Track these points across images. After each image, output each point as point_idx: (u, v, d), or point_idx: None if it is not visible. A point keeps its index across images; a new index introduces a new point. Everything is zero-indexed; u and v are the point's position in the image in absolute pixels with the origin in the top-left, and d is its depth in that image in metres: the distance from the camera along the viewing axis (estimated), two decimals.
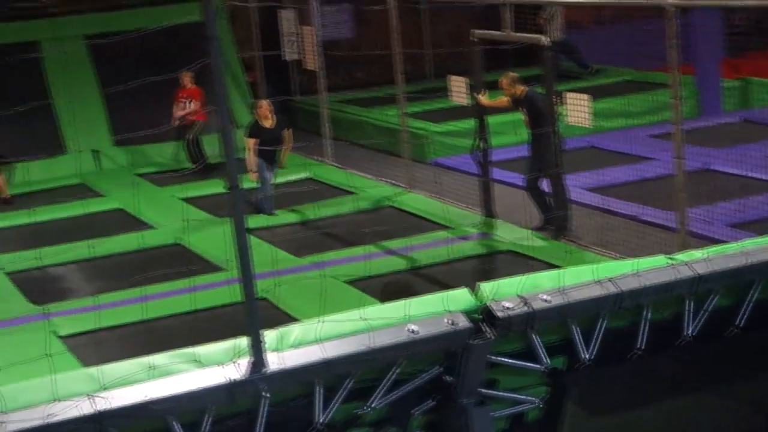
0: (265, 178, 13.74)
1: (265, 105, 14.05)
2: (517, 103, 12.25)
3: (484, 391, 6.48)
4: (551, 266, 10.65)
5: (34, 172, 15.95)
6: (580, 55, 19.77)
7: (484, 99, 12.66)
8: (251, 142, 13.66)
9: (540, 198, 12.26)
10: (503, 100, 12.46)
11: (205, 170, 14.86)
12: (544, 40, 11.99)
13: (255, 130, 13.84)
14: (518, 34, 12.82)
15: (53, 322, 10.21)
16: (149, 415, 5.70)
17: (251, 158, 13.62)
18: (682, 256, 6.84)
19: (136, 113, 16.41)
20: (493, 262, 11.76)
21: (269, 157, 13.72)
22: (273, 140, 13.75)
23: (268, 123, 13.88)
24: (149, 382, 5.72)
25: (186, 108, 16.08)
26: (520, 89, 12.12)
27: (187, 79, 16.04)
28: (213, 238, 12.27)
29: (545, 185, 12.12)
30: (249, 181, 13.24)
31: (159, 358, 5.90)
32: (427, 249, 11.90)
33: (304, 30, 16.68)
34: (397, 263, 11.55)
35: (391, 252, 11.89)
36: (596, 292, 6.42)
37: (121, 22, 16.50)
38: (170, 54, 16.83)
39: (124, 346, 9.52)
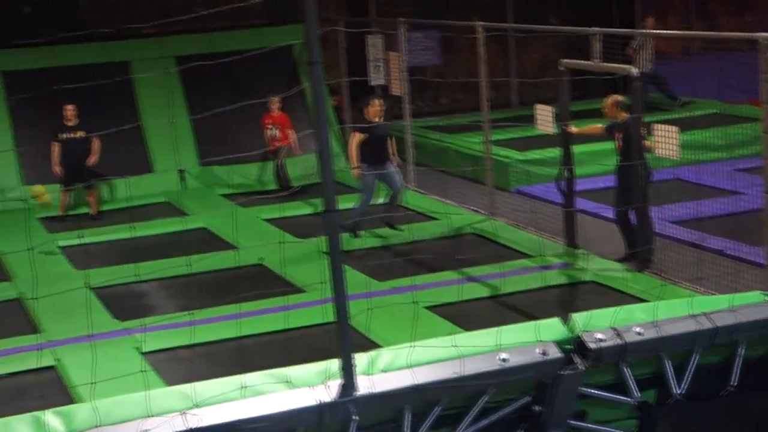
0: (368, 190, 13.53)
1: (377, 103, 13.72)
2: (612, 129, 12.16)
3: (573, 422, 6.43)
4: (634, 298, 10.53)
5: (121, 190, 16.16)
6: (668, 86, 19.62)
7: (575, 129, 12.61)
8: (358, 136, 13.41)
9: (628, 229, 12.15)
10: (597, 127, 12.41)
11: (291, 194, 14.94)
12: (633, 70, 11.90)
13: (362, 125, 13.56)
14: (607, 64, 12.75)
15: (136, 338, 10.30)
16: None
17: (353, 151, 13.40)
18: None
19: (223, 134, 16.60)
20: (575, 293, 11.65)
21: (376, 159, 13.42)
22: (380, 138, 13.53)
23: (377, 120, 13.60)
24: (241, 401, 5.76)
25: (272, 134, 16.22)
26: (622, 115, 12.03)
27: (275, 105, 16.16)
28: (295, 260, 12.33)
29: (632, 217, 12.01)
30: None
31: (251, 378, 5.95)
32: (509, 277, 11.82)
33: (391, 56, 16.74)
34: (479, 290, 11.50)
35: (472, 279, 11.84)
36: (691, 326, 6.36)
37: (213, 44, 16.71)
38: (260, 77, 17.03)
39: (207, 365, 9.57)
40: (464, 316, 10.57)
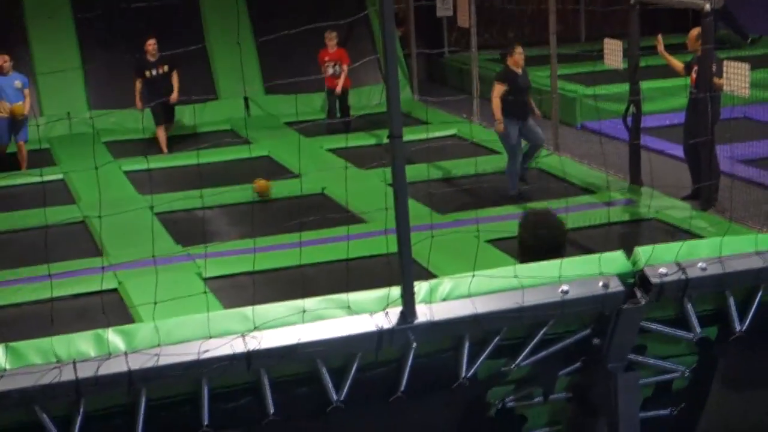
0: (514, 147, 12.69)
1: (520, 51, 12.82)
2: (691, 64, 11.95)
3: (632, 356, 6.40)
4: (697, 236, 10.41)
5: (186, 116, 16.20)
6: (738, 23, 19.21)
7: (661, 46, 12.25)
8: (500, 88, 12.58)
9: (695, 166, 12.00)
10: (678, 65, 12.17)
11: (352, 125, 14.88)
12: (706, 5, 11.67)
13: (505, 75, 12.74)
14: None
15: (198, 264, 10.38)
16: (298, 357, 5.78)
17: (497, 104, 12.54)
18: None
19: (288, 63, 16.56)
20: (638, 230, 11.55)
21: (519, 112, 12.62)
22: (523, 90, 12.75)
23: (520, 71, 12.81)
24: (300, 325, 5.79)
25: (333, 71, 15.81)
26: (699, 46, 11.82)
27: (332, 41, 15.73)
28: (357, 190, 12.31)
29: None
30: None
31: (311, 303, 5.97)
32: (572, 213, 11.71)
33: None
34: None
35: None
36: (755, 263, 6.28)
37: None
38: (324, 8, 16.92)
39: (267, 292, 9.61)
40: (524, 251, 10.51)
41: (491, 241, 10.79)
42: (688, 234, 10.71)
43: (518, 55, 12.73)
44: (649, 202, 12.09)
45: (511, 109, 12.54)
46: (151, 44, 15.08)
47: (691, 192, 12.10)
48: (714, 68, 11.62)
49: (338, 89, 15.78)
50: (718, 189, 11.95)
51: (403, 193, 5.83)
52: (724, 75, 11.69)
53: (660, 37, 12.21)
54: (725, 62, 11.89)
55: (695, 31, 11.91)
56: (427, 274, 9.45)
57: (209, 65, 17.18)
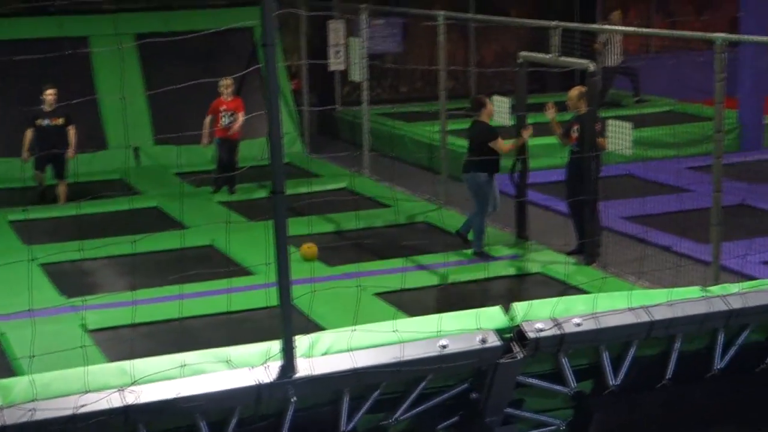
0: (486, 202, 12.47)
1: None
2: (571, 123, 12.21)
3: (509, 410, 6.50)
4: (581, 291, 10.66)
5: (74, 165, 16.06)
6: (638, 80, 19.73)
7: (551, 114, 12.47)
8: (501, 140, 12.37)
9: (579, 221, 12.26)
10: (557, 130, 12.38)
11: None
12: (591, 65, 11.98)
13: (493, 128, 12.53)
14: (565, 58, 12.83)
15: (82, 316, 10.28)
16: (177, 411, 5.76)
17: (510, 146, 12.43)
18: (717, 289, 6.83)
19: (179, 113, 16.53)
20: (523, 284, 11.76)
21: (491, 166, 12.41)
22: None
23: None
24: (180, 379, 5.77)
25: (229, 120, 15.06)
26: (584, 107, 12.08)
27: (228, 89, 15.14)
28: (246, 242, 12.33)
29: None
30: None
31: (191, 356, 5.96)
32: (459, 267, 11.92)
33: (351, 41, 16.76)
34: (428, 279, 11.57)
35: (422, 267, 11.91)
36: (629, 319, 6.43)
37: (173, 22, 16.66)
38: (219, 58, 16.97)
39: (150, 344, 9.57)
40: (411, 303, 10.64)
41: (379, 294, 10.90)
42: (571, 288, 10.95)
43: (490, 105, 12.62)
44: (534, 256, 12.33)
45: (488, 163, 12.36)
46: (51, 94, 14.60)
47: (576, 247, 12.34)
48: (597, 127, 11.92)
49: (237, 136, 15.20)
50: (600, 244, 12.23)
51: (284, 247, 5.87)
52: (607, 133, 12.00)
53: (551, 103, 12.46)
54: (608, 120, 12.21)
55: (575, 91, 12.21)
56: (315, 328, 9.52)
57: (99, 115, 17.06)
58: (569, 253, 12.29)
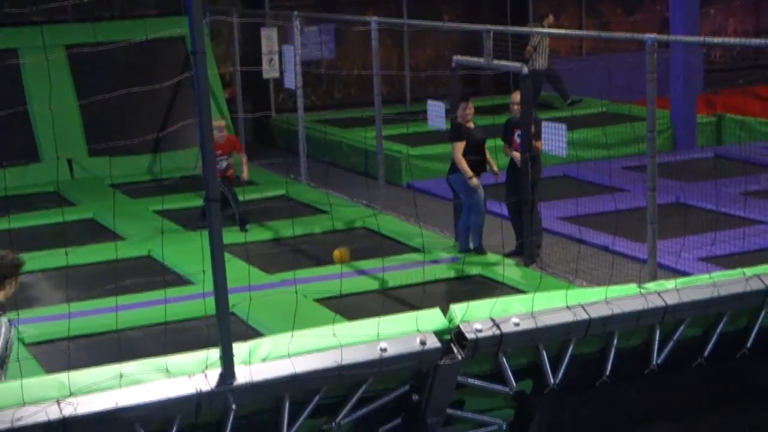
0: (480, 199, 12.39)
1: (471, 106, 12.47)
2: (511, 127, 12.27)
3: (451, 411, 6.51)
4: (520, 292, 10.72)
5: (7, 179, 15.84)
6: (563, 84, 19.90)
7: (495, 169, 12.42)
8: (460, 145, 12.22)
9: (519, 223, 12.34)
10: (506, 150, 12.41)
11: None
12: (524, 68, 12.06)
13: (460, 131, 12.35)
14: (498, 62, 12.90)
15: (19, 329, 10.14)
16: (116, 422, 5.70)
17: (463, 162, 12.19)
18: (652, 286, 6.90)
19: (112, 124, 16.39)
20: (463, 286, 11.79)
21: (477, 168, 12.28)
22: (478, 145, 12.35)
23: (472, 126, 12.46)
24: (118, 389, 5.72)
25: (226, 164, 13.77)
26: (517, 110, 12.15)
27: (222, 132, 13.71)
28: (184, 252, 12.26)
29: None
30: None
31: (128, 367, 5.91)
32: (398, 271, 11.93)
33: (284, 49, 16.72)
34: (368, 284, 11.58)
35: (362, 272, 11.91)
36: (566, 317, 6.47)
37: (103, 33, 16.50)
38: (151, 68, 16.86)
39: (90, 356, 9.47)
40: (352, 308, 10.63)
41: (319, 300, 10.88)
42: (510, 289, 11.00)
43: (468, 108, 12.41)
44: (473, 259, 12.36)
45: (472, 165, 12.26)
46: None
47: (515, 248, 12.41)
48: (534, 129, 12.00)
49: (245, 175, 13.93)
50: (540, 245, 12.31)
51: (220, 256, 5.84)
52: (543, 135, 12.08)
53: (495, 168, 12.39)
54: (543, 123, 12.29)
55: (517, 95, 12.26)
56: (255, 335, 9.48)
57: (31, 127, 16.86)
58: (508, 255, 12.35)
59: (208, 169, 5.85)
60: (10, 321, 6.92)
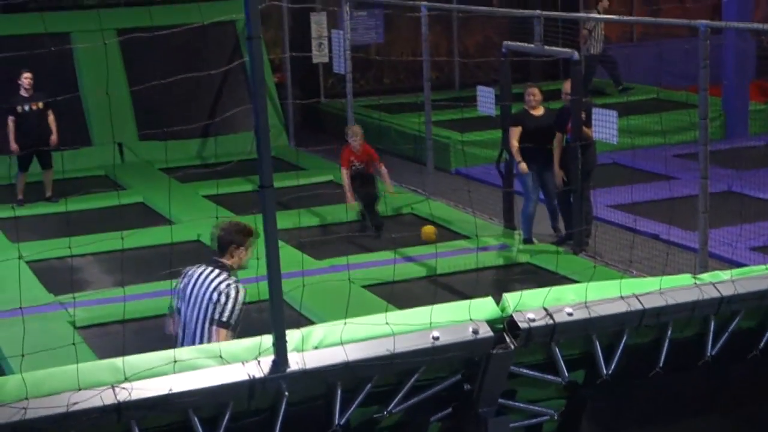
0: (529, 187, 12.38)
1: (536, 92, 12.42)
2: (564, 114, 12.18)
3: (502, 401, 6.48)
4: (569, 280, 10.67)
5: (58, 162, 15.98)
6: (617, 70, 19.74)
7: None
8: (513, 130, 12.32)
9: (568, 211, 12.27)
10: (558, 140, 12.25)
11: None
12: (574, 54, 11.98)
13: (516, 117, 12.50)
14: (548, 47, 12.82)
15: (70, 313, 10.25)
16: (170, 408, 5.72)
17: (515, 146, 12.30)
18: (707, 276, 6.83)
19: (163, 108, 16.49)
20: (511, 274, 11.78)
21: (535, 156, 12.24)
22: (540, 132, 12.22)
23: (537, 112, 12.45)
24: (171, 375, 5.74)
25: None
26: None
27: (357, 139, 13.11)
28: None
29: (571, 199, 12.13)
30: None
31: (183, 352, 5.92)
32: (446, 258, 11.92)
33: (334, 33, 16.72)
34: (416, 270, 11.58)
35: (409, 259, 11.91)
36: (620, 308, 6.41)
37: (155, 17, 16.56)
38: (202, 52, 16.93)
39: (140, 340, 9.54)
40: (400, 295, 10.65)
41: (367, 287, 10.89)
42: (560, 278, 10.96)
43: (529, 96, 12.43)
44: (522, 246, 12.33)
45: (526, 153, 12.27)
46: (27, 77, 14.35)
47: (565, 236, 12.36)
48: (585, 116, 11.92)
49: (389, 188, 13.20)
50: (590, 234, 12.25)
51: (273, 242, 5.83)
52: (593, 122, 11.99)
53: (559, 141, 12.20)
54: (594, 109, 12.21)
55: (568, 85, 12.18)
56: (304, 321, 9.51)
57: (83, 111, 16.99)
58: (557, 243, 12.31)
59: (263, 156, 5.84)
60: (238, 283, 7.20)
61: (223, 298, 7.05)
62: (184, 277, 7.29)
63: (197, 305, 7.12)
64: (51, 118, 14.60)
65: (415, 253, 12.03)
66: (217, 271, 7.18)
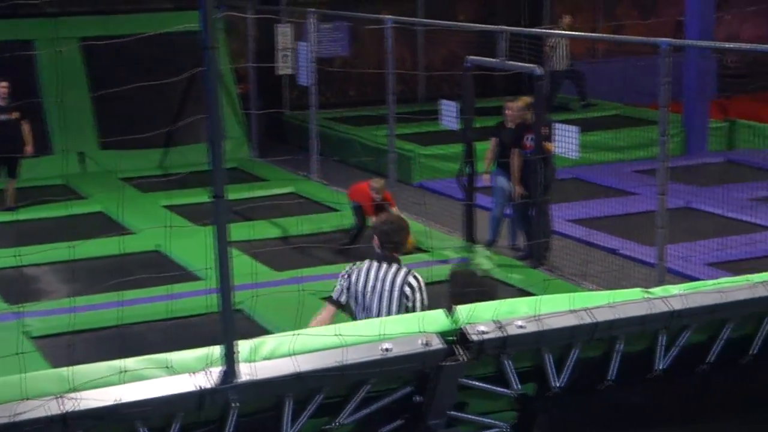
0: (498, 196, 12.74)
1: (510, 105, 12.72)
2: (520, 130, 12.24)
3: (453, 413, 6.48)
4: (528, 294, 10.68)
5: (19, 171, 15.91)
6: (584, 84, 19.86)
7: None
8: (492, 141, 12.87)
9: (527, 226, 12.32)
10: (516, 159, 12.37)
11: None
12: (536, 69, 12.03)
13: (496, 129, 12.96)
14: (512, 63, 12.88)
15: (26, 322, 10.17)
16: (117, 418, 5.68)
17: (488, 156, 12.89)
18: (658, 291, 6.86)
19: (125, 118, 16.40)
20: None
21: (508, 167, 12.44)
22: (505, 146, 12.61)
23: (511, 125, 12.71)
24: (120, 385, 5.70)
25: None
26: (529, 114, 12.14)
27: (380, 184, 12.88)
28: (193, 247, 12.23)
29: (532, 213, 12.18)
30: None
31: (131, 362, 5.89)
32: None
33: (299, 45, 16.72)
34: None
35: None
36: (571, 321, 6.43)
37: (118, 26, 16.54)
38: (164, 61, 16.86)
39: (96, 350, 9.48)
40: None
41: (327, 299, 10.84)
42: (519, 291, 10.98)
43: (508, 109, 12.74)
44: (482, 260, 12.35)
45: (502, 163, 12.62)
46: (4, 86, 14.34)
47: (525, 250, 12.40)
48: (545, 131, 11.97)
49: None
50: (548, 248, 12.28)
51: (225, 253, 5.82)
52: (554, 137, 12.05)
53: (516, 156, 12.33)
54: (556, 125, 12.27)
55: (520, 103, 12.30)
56: (263, 332, 9.48)
57: (43, 119, 16.89)
58: (517, 257, 12.35)
59: (217, 166, 5.82)
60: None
61: (417, 291, 7.51)
62: (350, 276, 7.73)
63: (385, 301, 7.56)
64: (27, 128, 14.58)
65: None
66: (395, 266, 7.58)
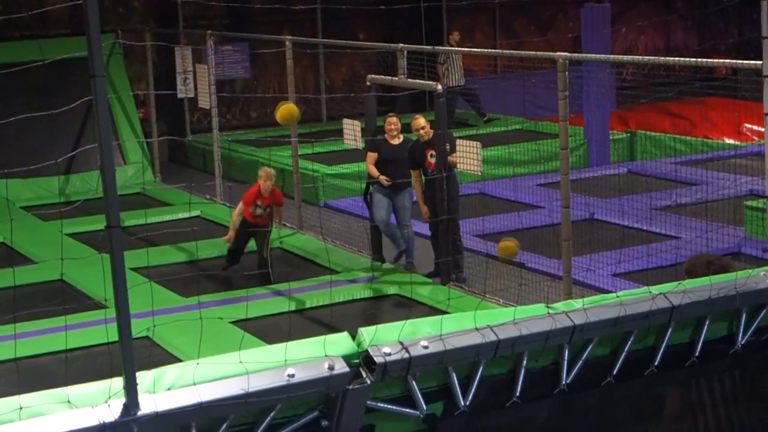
0: (379, 217, 12.56)
1: (394, 121, 12.56)
2: (422, 148, 12.25)
3: None
4: (437, 311, 10.72)
5: None
6: (479, 102, 20.00)
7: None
8: (368, 155, 12.58)
9: (437, 243, 12.35)
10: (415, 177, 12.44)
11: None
12: (438, 86, 12.08)
13: (377, 143, 12.58)
14: (411, 80, 12.92)
15: None
16: None
17: (372, 170, 12.52)
18: (560, 305, 6.91)
19: (22, 146, 16.10)
20: (379, 307, 11.76)
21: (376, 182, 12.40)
22: (395, 160, 12.41)
23: (395, 141, 12.57)
24: (16, 423, 5.58)
25: (261, 212, 12.59)
26: (431, 131, 12.17)
27: (271, 182, 12.64)
28: (97, 275, 12.00)
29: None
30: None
31: (28, 398, 5.76)
32: (315, 291, 11.87)
33: (199, 68, 16.59)
34: (284, 305, 11.48)
35: (278, 293, 11.82)
36: (475, 339, 6.45)
37: (10, 53, 16.25)
38: (61, 87, 16.60)
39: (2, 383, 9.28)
40: (268, 331, 10.54)
41: (236, 323, 10.76)
42: (428, 308, 11.00)
43: (389, 126, 12.59)
44: (390, 278, 12.34)
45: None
46: None
47: (435, 267, 12.42)
48: (448, 147, 12.01)
49: (279, 227, 12.99)
50: (459, 264, 12.31)
51: (122, 282, 5.73)
52: (458, 153, 12.09)
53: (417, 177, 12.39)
54: (458, 141, 12.32)
55: (422, 120, 12.33)
56: (174, 360, 9.35)
57: None
58: (428, 274, 12.36)
59: (109, 195, 5.73)
60: None
61: None
62: None
63: None
64: None
65: (282, 288, 11.94)
66: None
